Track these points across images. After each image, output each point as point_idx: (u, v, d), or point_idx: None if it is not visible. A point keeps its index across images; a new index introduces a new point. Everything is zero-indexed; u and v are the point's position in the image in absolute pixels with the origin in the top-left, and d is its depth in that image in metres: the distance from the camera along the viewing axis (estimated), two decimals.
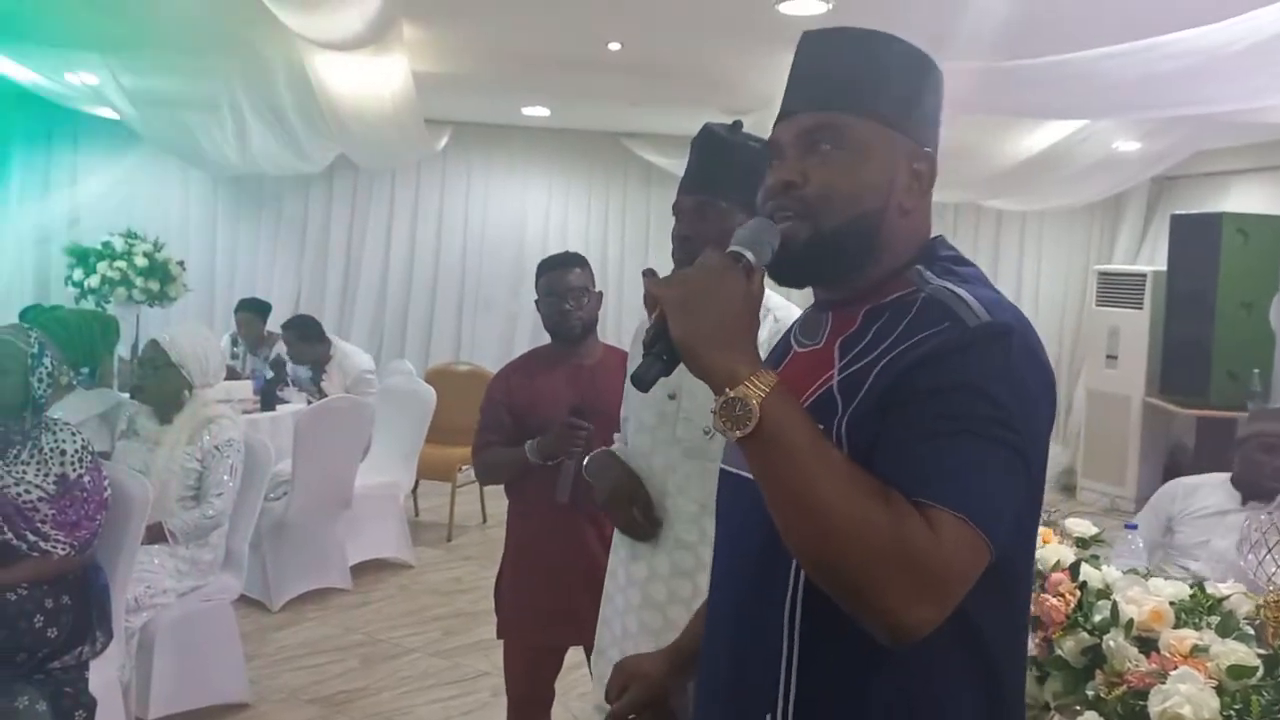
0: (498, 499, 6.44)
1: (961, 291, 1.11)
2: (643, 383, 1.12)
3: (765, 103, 5.01)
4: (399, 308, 8.16)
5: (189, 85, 4.78)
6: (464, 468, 6.22)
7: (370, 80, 4.59)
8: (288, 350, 5.88)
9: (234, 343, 6.43)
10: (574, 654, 2.85)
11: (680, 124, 7.18)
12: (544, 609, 2.77)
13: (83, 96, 5.78)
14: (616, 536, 2.13)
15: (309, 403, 5.82)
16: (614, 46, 4.82)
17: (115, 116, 6.30)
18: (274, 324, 6.50)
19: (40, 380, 2.87)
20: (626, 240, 8.36)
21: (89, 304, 5.59)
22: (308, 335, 5.87)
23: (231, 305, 7.33)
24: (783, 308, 1.99)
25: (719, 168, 1.95)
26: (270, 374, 5.77)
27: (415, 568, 5.43)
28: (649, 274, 1.90)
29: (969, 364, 1.04)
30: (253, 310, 6.38)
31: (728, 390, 1.02)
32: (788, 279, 1.21)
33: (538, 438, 2.67)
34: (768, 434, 1.01)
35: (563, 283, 2.77)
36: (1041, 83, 3.57)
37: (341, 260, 8.06)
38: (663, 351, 1.09)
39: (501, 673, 2.89)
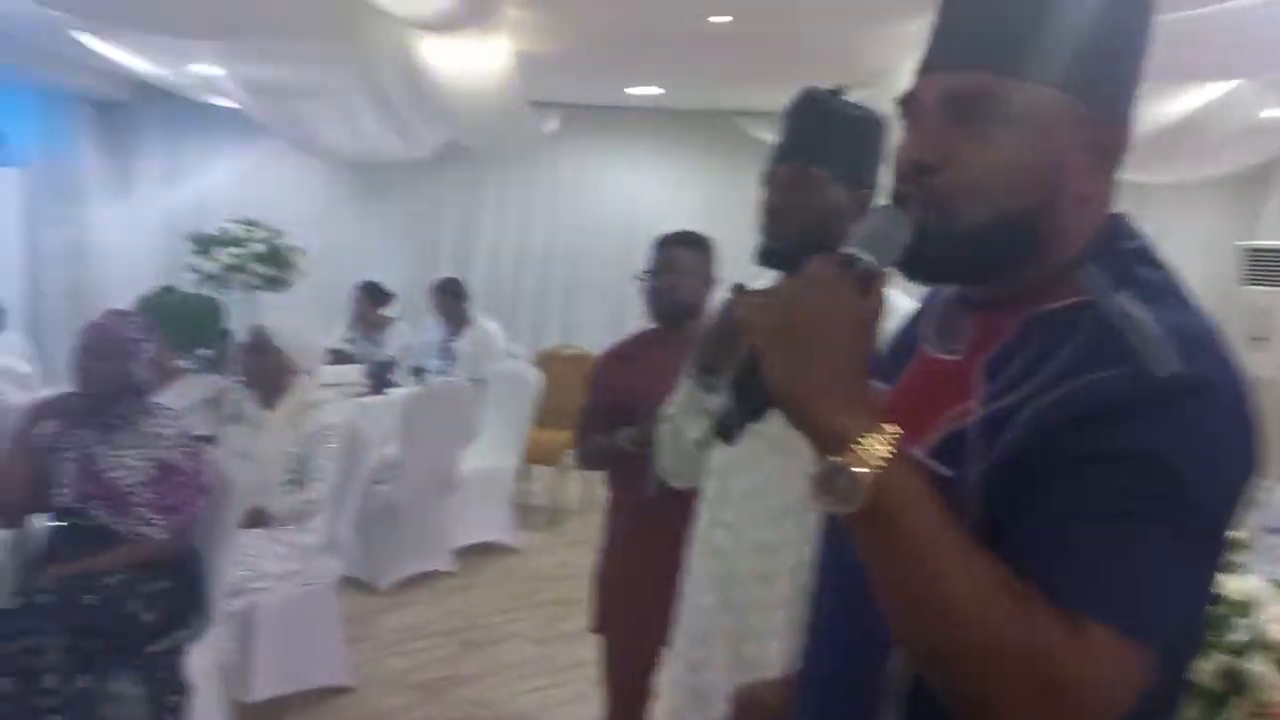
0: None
1: (1147, 316, 0.85)
2: (726, 433, 0.92)
3: (882, 76, 4.78)
4: (509, 292, 8.18)
5: (301, 73, 4.82)
6: (570, 451, 6.19)
7: (474, 62, 4.54)
8: (435, 305, 6.14)
9: (349, 326, 6.53)
10: None
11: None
12: (637, 604, 2.66)
13: (205, 87, 5.93)
14: (695, 531, 2.00)
15: (419, 380, 5.90)
16: (722, 19, 4.65)
17: (237, 106, 6.46)
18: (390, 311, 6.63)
19: (142, 365, 2.89)
20: (739, 223, 8.15)
21: (209, 290, 5.73)
22: (455, 293, 6.10)
23: (346, 291, 7.47)
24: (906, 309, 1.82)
25: (816, 134, 1.78)
26: (384, 357, 5.84)
27: (520, 552, 5.41)
28: (739, 292, 1.72)
29: (1150, 428, 0.80)
30: (368, 293, 6.46)
31: (830, 457, 0.82)
32: (917, 278, 0.98)
33: (632, 426, 2.56)
34: (879, 516, 0.81)
35: (668, 259, 2.64)
36: (1187, 39, 3.25)
37: (453, 245, 8.13)
38: (752, 396, 0.89)
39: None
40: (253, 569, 3.30)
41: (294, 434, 3.52)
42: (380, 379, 5.54)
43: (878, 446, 0.82)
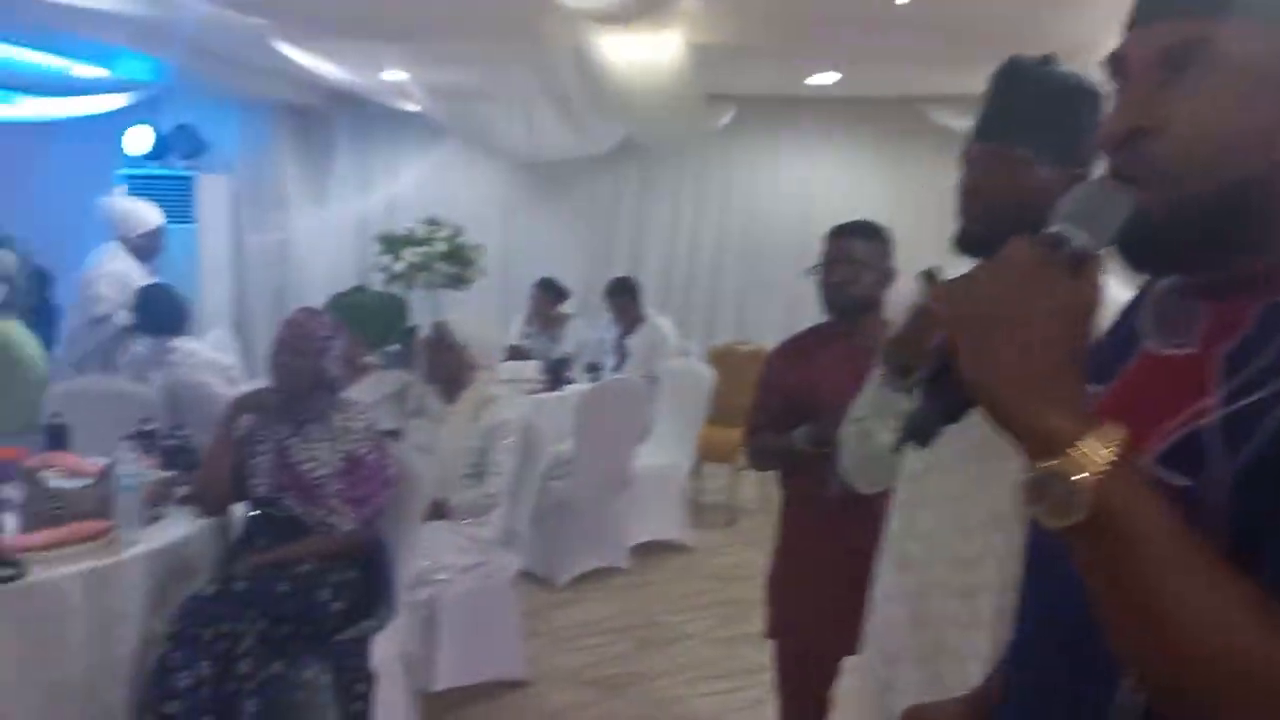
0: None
1: None
2: (920, 436, 0.84)
3: (1079, 55, 4.46)
4: (682, 288, 8.14)
5: (481, 75, 4.91)
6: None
7: (648, 56, 4.51)
8: (609, 304, 6.17)
9: (526, 323, 6.64)
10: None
11: (980, 84, 6.63)
12: (813, 611, 2.55)
13: (394, 93, 6.14)
14: (886, 539, 1.87)
15: (593, 377, 5.94)
16: (901, 0, 4.45)
17: (422, 110, 6.67)
18: (568, 308, 6.73)
19: (333, 361, 2.98)
20: (923, 214, 7.83)
21: (396, 288, 5.93)
22: (628, 290, 6.15)
23: (524, 289, 7.61)
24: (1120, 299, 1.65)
25: (1020, 107, 1.61)
26: (560, 354, 5.91)
27: (695, 551, 5.36)
28: (928, 279, 1.59)
29: None
30: (546, 289, 6.56)
31: (1043, 462, 0.72)
32: (1137, 263, 0.86)
33: (808, 424, 2.45)
34: (1103, 530, 0.71)
35: (842, 251, 2.51)
36: None
37: (628, 243, 8.16)
38: (948, 396, 0.80)
39: None
40: (435, 561, 3.36)
41: (474, 428, 3.58)
42: (556, 375, 5.60)
43: (1099, 450, 0.71)
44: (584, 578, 4.77)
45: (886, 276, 2.56)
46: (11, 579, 2.34)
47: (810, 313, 8.82)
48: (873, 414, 1.80)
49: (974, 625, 1.63)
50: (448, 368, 3.67)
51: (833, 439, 2.39)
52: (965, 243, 1.66)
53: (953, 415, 0.82)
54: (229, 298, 7.91)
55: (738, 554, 5.39)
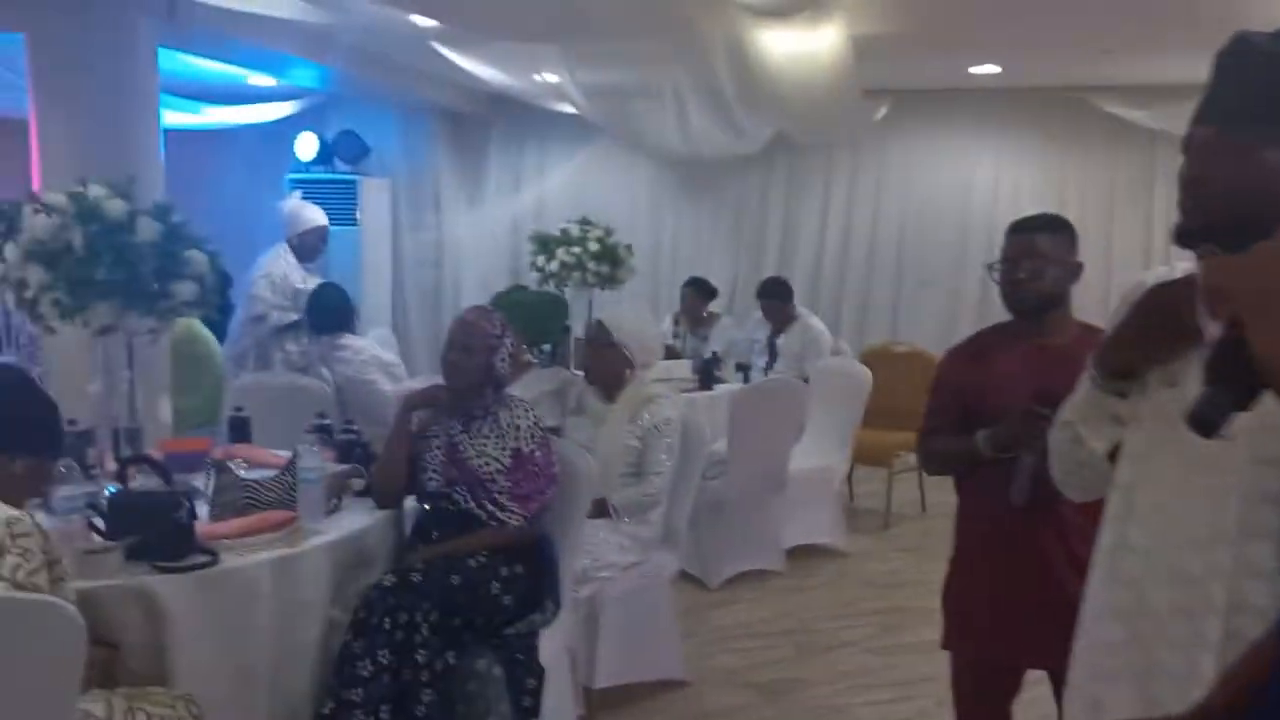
0: (939, 488, 6.10)
1: None
2: (1207, 425, 0.80)
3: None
4: (834, 286, 7.99)
5: (635, 74, 4.92)
6: (901, 453, 5.95)
7: (807, 50, 4.43)
8: (761, 303, 6.11)
9: (675, 322, 6.64)
10: (1034, 674, 2.49)
11: (1153, 71, 6.28)
12: (993, 622, 2.44)
13: (548, 94, 6.22)
14: (1096, 554, 1.76)
15: (745, 377, 5.89)
16: None
17: (574, 111, 6.74)
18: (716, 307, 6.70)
19: (502, 359, 3.02)
20: (1087, 207, 7.49)
21: (549, 288, 6.01)
22: (780, 291, 6.07)
23: (674, 287, 7.60)
24: None
25: (1246, 89, 1.48)
26: (710, 353, 5.88)
27: (850, 555, 5.24)
28: (1207, 254, 1.47)
29: None
30: (697, 288, 6.54)
31: None
32: None
33: (991, 427, 2.34)
34: None
35: (1025, 246, 2.39)
36: None
37: (778, 240, 8.06)
38: (1239, 378, 0.75)
39: (947, 681, 2.60)
40: (597, 558, 3.37)
41: (633, 427, 3.57)
42: (708, 375, 5.57)
43: None
44: (738, 579, 4.72)
45: (1072, 272, 2.42)
46: (208, 565, 2.44)
47: (970, 309, 8.63)
48: (1083, 418, 1.69)
49: (1197, 647, 1.50)
50: (607, 366, 3.67)
51: (1016, 442, 2.29)
52: (1187, 236, 1.54)
53: (1243, 402, 0.76)
54: (388, 297, 8.18)
55: (894, 560, 5.25)
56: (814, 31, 4.22)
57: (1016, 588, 2.38)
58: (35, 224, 2.79)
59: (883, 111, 6.94)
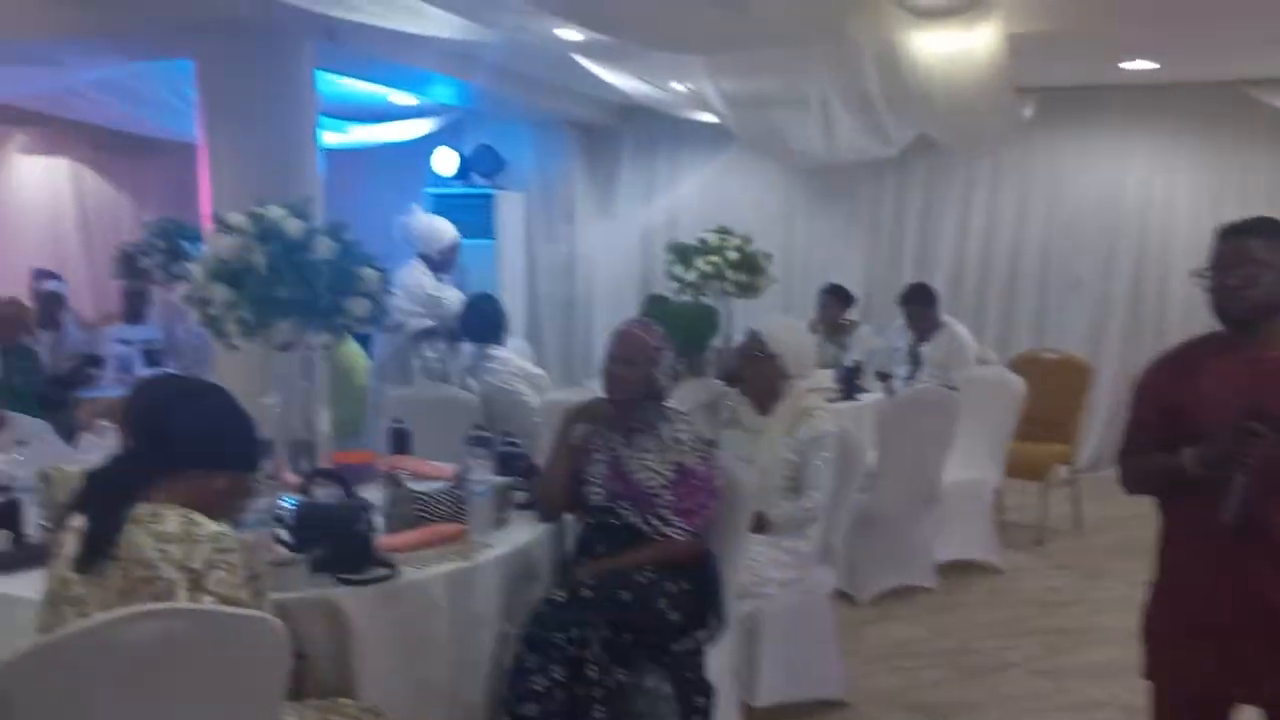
0: (1096, 502, 5.88)
1: None
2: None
3: None
4: (976, 292, 7.74)
5: (780, 82, 4.86)
6: (1055, 466, 5.72)
7: (961, 50, 4.29)
8: (903, 310, 5.97)
9: (811, 330, 6.52)
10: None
11: None
12: (1199, 652, 2.29)
13: (684, 103, 6.21)
14: None
15: (887, 387, 5.75)
16: None
17: (712, 120, 6.71)
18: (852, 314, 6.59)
19: (663, 372, 3.00)
20: (1249, 208, 7.04)
21: (688, 297, 5.98)
22: (924, 298, 5.95)
23: (808, 295, 7.48)
24: None
25: None
26: (851, 362, 5.76)
27: (1004, 572, 5.05)
28: None
29: None
30: (834, 295, 6.43)
31: None
32: None
33: (1199, 444, 2.20)
34: None
35: (1237, 252, 2.24)
36: None
37: (916, 245, 7.86)
38: None
39: (1122, 706, 2.46)
40: (756, 574, 3.32)
41: (790, 441, 3.50)
42: (850, 384, 5.45)
43: None
44: (889, 595, 4.60)
45: None
46: (388, 578, 2.48)
47: (1120, 314, 8.29)
48: None
49: None
50: (763, 378, 3.62)
51: (1228, 460, 2.14)
52: None
53: None
54: (522, 308, 8.30)
55: (1050, 578, 5.04)
56: (970, 31, 4.08)
57: (1223, 612, 2.24)
58: (219, 244, 2.89)
59: (1030, 111, 6.70)
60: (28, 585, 2.40)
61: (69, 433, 3.84)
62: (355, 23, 4.29)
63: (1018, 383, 5.23)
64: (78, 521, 2.01)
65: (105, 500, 1.99)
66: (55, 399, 5.31)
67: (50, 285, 7.30)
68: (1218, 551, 2.23)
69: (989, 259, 7.71)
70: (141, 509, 1.95)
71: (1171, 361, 2.40)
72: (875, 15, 3.92)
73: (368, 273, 3.00)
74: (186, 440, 2.04)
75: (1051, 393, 5.58)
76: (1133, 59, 6.23)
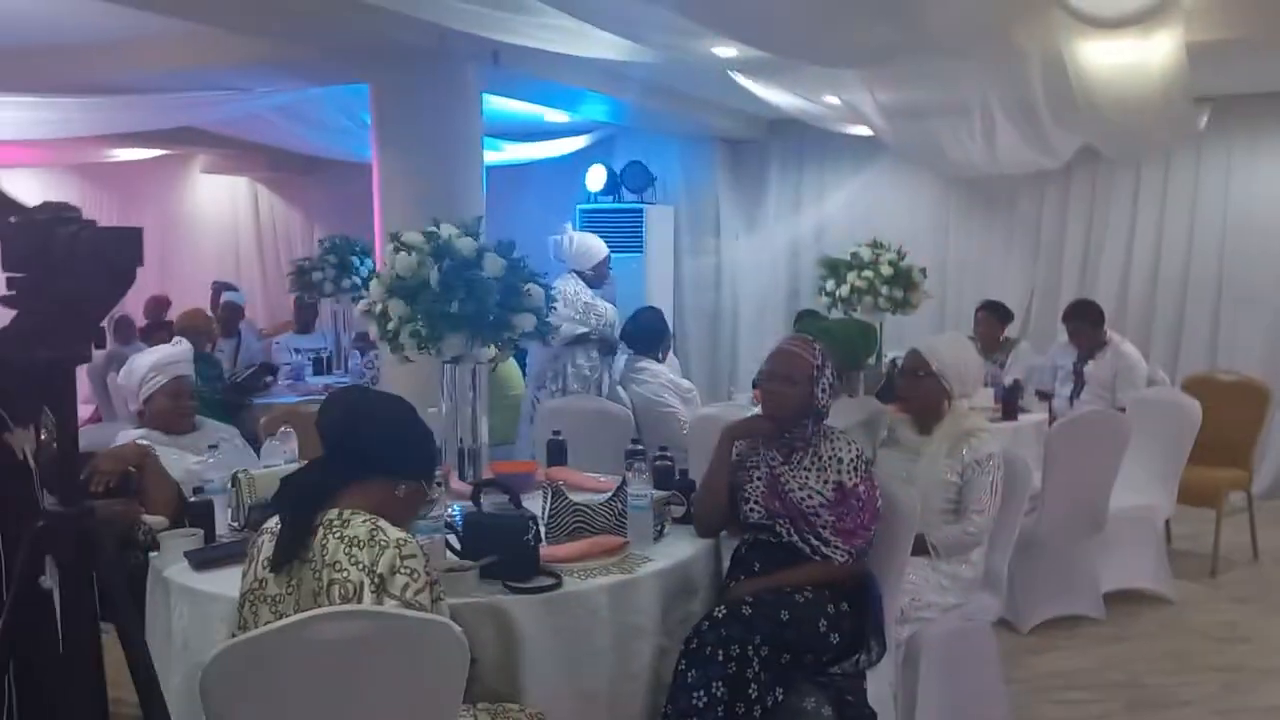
0: (1273, 530, 5.53)
1: None
2: None
3: None
4: (1143, 308, 7.40)
5: (939, 92, 4.77)
6: (1231, 492, 5.40)
7: (1136, 59, 4.12)
8: (1068, 327, 5.85)
9: None
10: None
11: None
12: None
13: (835, 116, 6.16)
14: None
15: (1050, 409, 5.55)
16: None
17: (861, 133, 6.63)
18: (1012, 330, 6.40)
19: (823, 390, 2.98)
20: None
21: (839, 312, 5.91)
22: (1090, 315, 5.79)
23: (963, 310, 7.30)
24: None
25: None
26: (1011, 380, 5.59)
27: (1176, 604, 4.80)
28: None
29: None
30: (992, 311, 6.25)
31: None
32: None
33: None
34: None
35: None
36: None
37: (1078, 260, 7.57)
38: None
39: None
40: (916, 598, 3.25)
41: (952, 462, 3.42)
42: (1012, 403, 5.29)
43: None
44: (1052, 624, 4.43)
45: None
46: (554, 588, 2.54)
47: None
48: None
49: None
50: (925, 397, 3.55)
51: None
52: None
53: None
54: (670, 321, 8.36)
55: (1227, 612, 4.76)
56: (1148, 40, 3.92)
57: None
58: (397, 261, 3.03)
59: (1204, 120, 6.38)
60: (219, 582, 2.57)
61: (250, 437, 4.08)
62: (519, 46, 4.42)
63: (1193, 406, 4.96)
64: (273, 524, 2.14)
65: (298, 505, 2.11)
66: (236, 404, 5.63)
67: (229, 296, 7.79)
68: None
69: (1157, 273, 7.36)
70: (331, 514, 2.06)
71: None
72: (1044, 23, 3.80)
73: (534, 289, 3.08)
74: (374, 449, 2.15)
75: (1227, 415, 5.28)
76: None
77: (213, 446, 3.34)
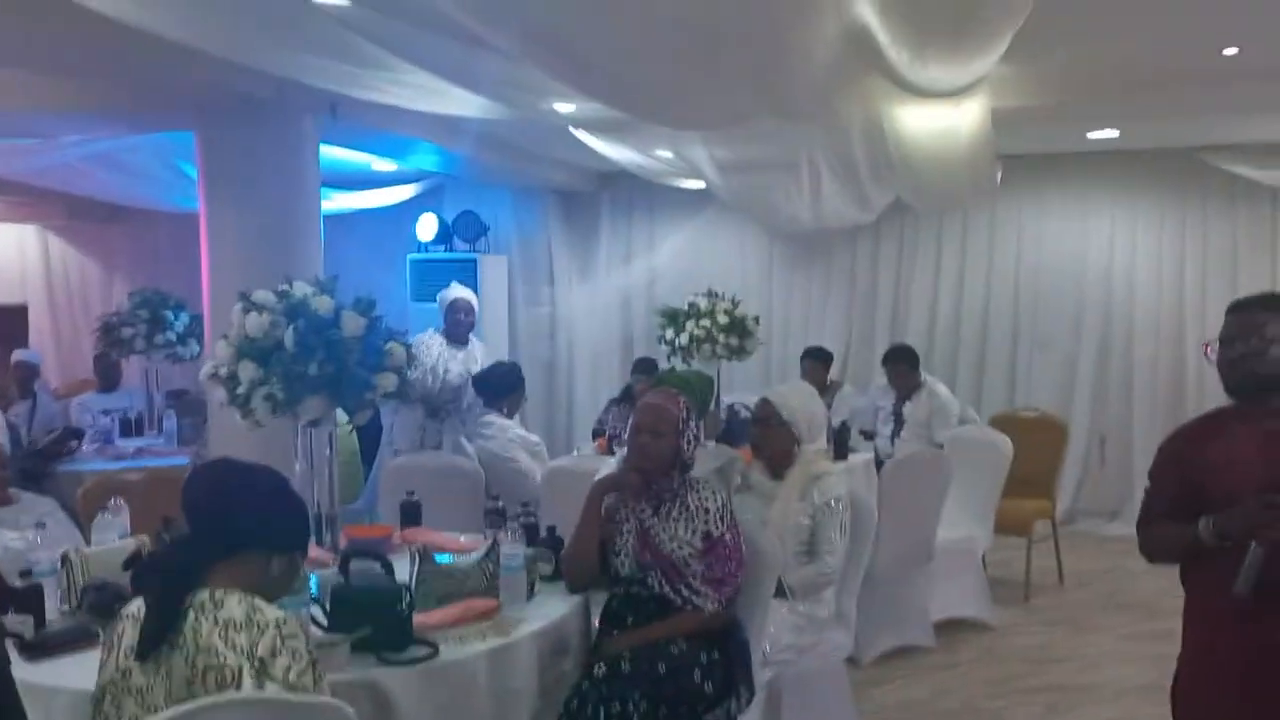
0: (1073, 554, 5.98)
1: None
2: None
3: None
4: (948, 349, 7.91)
5: (772, 150, 4.99)
6: (1038, 521, 5.82)
7: (948, 124, 4.46)
8: (887, 370, 6.17)
9: None
10: None
11: (1274, 129, 6.20)
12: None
13: (671, 170, 6.33)
14: None
15: (875, 448, 5.84)
16: (1230, 51, 4.21)
17: (690, 185, 6.84)
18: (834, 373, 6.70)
19: (688, 442, 3.05)
20: (1209, 268, 7.33)
21: (678, 360, 6.05)
22: (906, 358, 6.11)
23: (788, 355, 7.60)
24: None
25: None
26: (839, 422, 5.84)
27: (997, 630, 5.12)
28: None
29: None
30: (816, 358, 6.53)
31: None
32: None
33: (1215, 515, 2.27)
34: None
35: (1246, 325, 2.34)
36: None
37: (889, 306, 8.03)
38: None
39: None
40: (774, 640, 3.34)
41: (804, 505, 3.55)
42: (842, 444, 5.53)
43: None
44: (890, 656, 4.64)
45: None
46: (430, 657, 2.47)
47: (1088, 373, 8.47)
48: None
49: None
50: (777, 444, 3.67)
51: (1246, 533, 2.21)
52: None
53: None
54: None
55: (1041, 634, 5.11)
56: (957, 107, 4.25)
57: (1249, 687, 2.29)
58: (247, 321, 2.91)
59: (999, 175, 6.92)
60: (54, 673, 2.38)
61: (63, 508, 3.79)
62: (355, 98, 4.35)
63: (1005, 442, 5.34)
64: (134, 608, 2.01)
65: (165, 587, 1.98)
66: (38, 472, 5.20)
67: (22, 355, 7.18)
68: (1241, 622, 2.26)
69: (959, 317, 7.89)
70: (202, 595, 1.95)
71: (1194, 431, 2.47)
72: (867, 91, 4.05)
73: (395, 347, 3.03)
74: (247, 525, 2.05)
75: (1030, 450, 5.69)
76: (1100, 128, 6.47)
77: (40, 525, 3.09)
